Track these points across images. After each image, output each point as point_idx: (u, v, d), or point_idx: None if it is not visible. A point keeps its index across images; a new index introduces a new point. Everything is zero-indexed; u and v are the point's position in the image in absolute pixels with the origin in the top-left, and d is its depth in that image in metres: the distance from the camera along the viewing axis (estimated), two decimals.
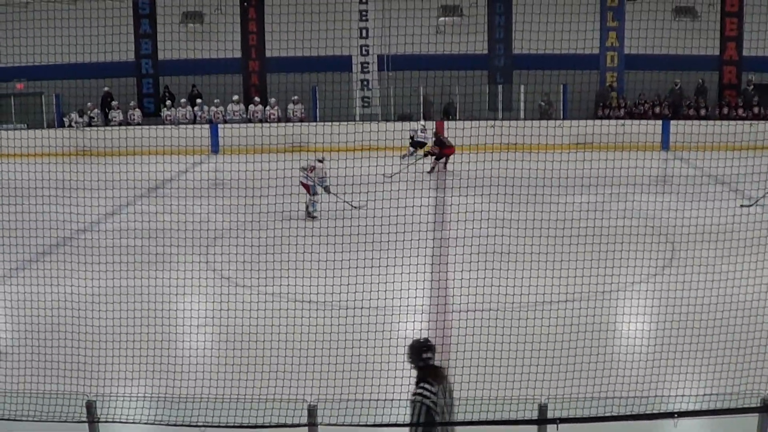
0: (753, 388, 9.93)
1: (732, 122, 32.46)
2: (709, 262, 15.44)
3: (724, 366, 11.36)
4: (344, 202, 21.02)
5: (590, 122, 32.43)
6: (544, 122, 32.36)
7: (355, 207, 20.49)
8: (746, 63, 36.60)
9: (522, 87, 34.09)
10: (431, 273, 16.09)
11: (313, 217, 21.84)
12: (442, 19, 33.92)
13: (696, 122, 32.77)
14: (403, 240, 13.94)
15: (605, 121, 33.21)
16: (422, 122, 31.75)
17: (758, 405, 7.50)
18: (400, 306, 13.31)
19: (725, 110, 35.74)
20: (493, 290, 12.89)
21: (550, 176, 17.03)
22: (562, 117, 33.85)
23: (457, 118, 33.56)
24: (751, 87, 36.46)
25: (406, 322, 13.67)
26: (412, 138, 30.14)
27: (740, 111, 35.45)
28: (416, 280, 13.77)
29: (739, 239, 14.95)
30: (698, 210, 16.49)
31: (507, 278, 13.26)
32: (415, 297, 13.58)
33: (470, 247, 15.89)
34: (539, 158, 18.24)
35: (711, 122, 31.68)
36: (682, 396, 10.74)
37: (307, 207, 22.02)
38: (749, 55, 35.80)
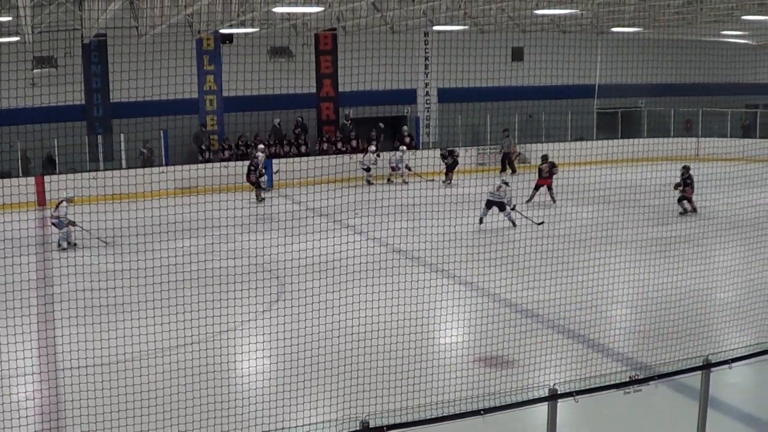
0: (353, 413, 10.43)
1: (331, 156, 34.07)
2: (316, 292, 16.05)
3: (327, 393, 11.95)
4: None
5: (192, 167, 32.87)
6: (146, 170, 32.25)
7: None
8: (343, 99, 38.29)
9: (122, 136, 33.87)
10: (37, 332, 15.66)
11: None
12: (36, 70, 33.00)
13: (296, 159, 34.01)
14: (5, 300, 13.63)
15: (208, 165, 33.71)
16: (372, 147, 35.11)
17: (357, 429, 7.89)
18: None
19: (325, 146, 37.15)
20: (103, 344, 12.82)
21: (155, 223, 17.07)
22: (164, 163, 33.87)
23: (58, 171, 32.79)
24: (349, 122, 38.19)
25: (12, 386, 13.28)
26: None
27: (339, 145, 37.02)
28: (21, 341, 13.39)
29: (343, 267, 15.67)
30: (304, 243, 17.15)
31: (117, 330, 13.24)
32: (20, 359, 13.18)
33: (76, 301, 15.67)
34: (143, 206, 18.29)
35: (311, 158, 33.04)
36: (285, 429, 11.09)
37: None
38: (345, 90, 37.52)
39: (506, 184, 25.82)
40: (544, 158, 29.73)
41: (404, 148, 35.55)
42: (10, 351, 12.70)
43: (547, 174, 29.55)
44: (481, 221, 25.45)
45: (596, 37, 40.12)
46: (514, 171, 36.47)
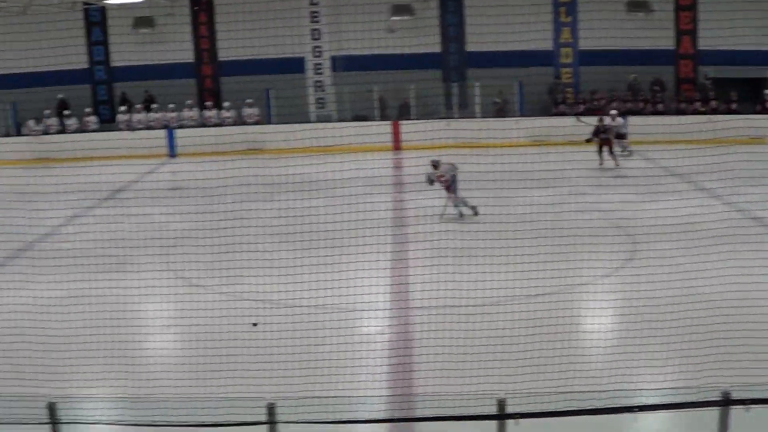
0: (714, 382, 9.93)
1: (689, 117, 32.64)
2: (669, 255, 15.49)
3: (684, 359, 11.38)
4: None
5: (546, 119, 32.64)
6: (500, 120, 32.42)
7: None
8: (703, 57, 36.64)
9: (477, 85, 34.08)
10: (391, 270, 16.06)
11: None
12: (393, 18, 33.87)
13: (653, 117, 32.97)
14: (364, 236, 14.01)
15: (561, 118, 33.37)
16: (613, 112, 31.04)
17: (718, 398, 7.48)
18: (356, 303, 13.33)
19: (682, 105, 35.79)
20: (453, 286, 12.91)
21: (508, 170, 17.02)
22: (518, 114, 33.88)
23: (413, 117, 33.60)
24: (708, 81, 36.54)
25: (364, 319, 13.68)
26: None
27: (698, 105, 35.50)
28: (376, 277, 13.76)
29: (698, 231, 15.02)
30: (657, 203, 16.62)
31: (467, 274, 13.29)
32: (374, 294, 13.51)
33: (430, 242, 15.90)
34: (497, 155, 18.29)
35: (668, 117, 31.94)
36: (643, 390, 10.76)
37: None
38: (705, 48, 35.92)
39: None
40: None
41: (614, 112, 31.04)
42: (364, 285, 13.02)
43: None
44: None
45: None
46: None
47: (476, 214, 20.40)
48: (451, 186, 20.68)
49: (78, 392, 11.07)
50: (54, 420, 8.43)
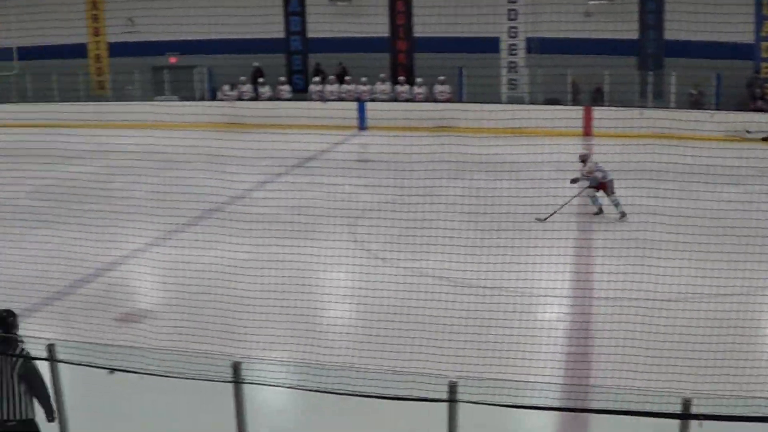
0: None
1: None
2: None
3: None
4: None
5: (744, 114, 31.60)
6: (695, 112, 31.56)
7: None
8: None
9: (673, 74, 33.26)
10: (574, 257, 15.88)
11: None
12: (591, 2, 33.45)
13: None
14: (550, 221, 13.88)
15: (759, 114, 32.30)
16: None
17: None
18: (538, 288, 13.22)
19: None
20: (637, 279, 12.67)
21: (699, 163, 16.60)
22: (715, 107, 32.93)
23: (606, 103, 33.10)
24: None
25: (545, 305, 13.57)
26: None
27: None
28: (559, 263, 13.60)
29: None
30: None
31: (653, 267, 13.01)
32: (556, 280, 13.40)
33: (615, 232, 15.64)
34: (689, 147, 17.86)
35: None
36: None
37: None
38: None
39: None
40: None
41: None
42: (547, 271, 12.90)
43: None
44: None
45: None
46: None
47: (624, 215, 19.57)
48: (608, 186, 20.03)
49: (260, 354, 11.34)
50: (237, 379, 8.63)
